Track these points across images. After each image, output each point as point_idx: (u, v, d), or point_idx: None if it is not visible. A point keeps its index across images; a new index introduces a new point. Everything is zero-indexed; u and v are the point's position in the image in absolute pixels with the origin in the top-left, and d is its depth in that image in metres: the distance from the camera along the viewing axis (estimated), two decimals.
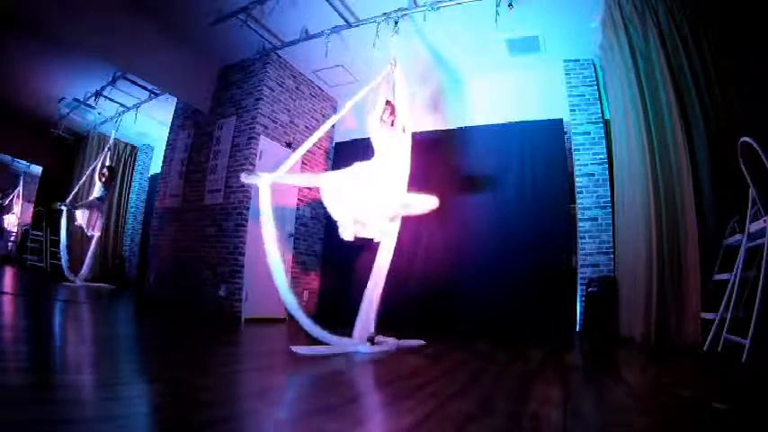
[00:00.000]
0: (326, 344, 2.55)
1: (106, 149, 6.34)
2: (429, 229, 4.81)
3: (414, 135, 3.26)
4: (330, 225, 5.62)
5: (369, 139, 3.15)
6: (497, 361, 2.53)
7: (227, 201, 4.67)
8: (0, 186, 8.31)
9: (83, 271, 5.92)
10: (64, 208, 6.00)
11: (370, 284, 2.90)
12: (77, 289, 5.39)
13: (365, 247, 3.02)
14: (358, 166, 2.88)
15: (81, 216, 5.96)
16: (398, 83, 3.23)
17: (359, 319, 2.83)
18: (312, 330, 2.55)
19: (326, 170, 5.80)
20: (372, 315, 2.84)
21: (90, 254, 6.01)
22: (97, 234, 6.05)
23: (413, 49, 4.45)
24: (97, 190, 6.08)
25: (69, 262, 5.92)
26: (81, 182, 6.38)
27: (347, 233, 2.78)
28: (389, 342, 2.85)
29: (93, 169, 6.28)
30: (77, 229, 6.09)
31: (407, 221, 3.17)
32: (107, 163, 6.27)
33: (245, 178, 2.78)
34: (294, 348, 2.35)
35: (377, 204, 2.80)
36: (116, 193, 6.63)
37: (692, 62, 3.11)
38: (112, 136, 6.50)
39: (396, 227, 2.98)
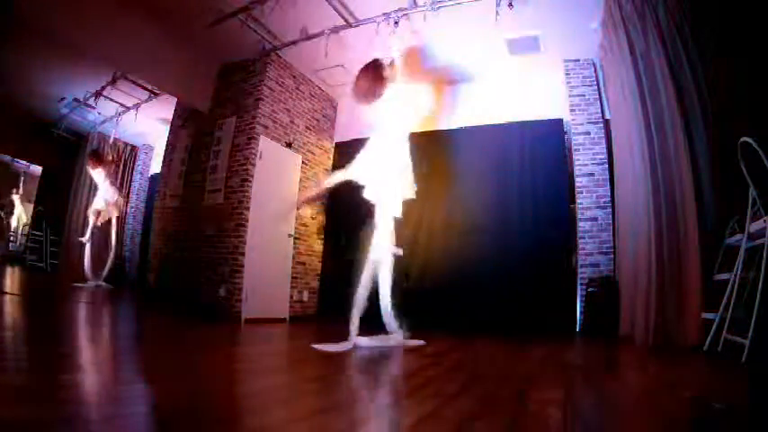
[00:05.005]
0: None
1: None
2: (428, 229, 4.81)
3: (414, 135, 3.26)
4: (330, 225, 5.65)
5: (368, 138, 3.15)
6: (497, 360, 2.53)
7: (227, 201, 4.66)
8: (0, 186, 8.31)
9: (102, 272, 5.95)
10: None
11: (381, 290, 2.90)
12: (82, 289, 5.38)
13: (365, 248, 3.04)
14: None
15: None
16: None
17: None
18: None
19: (327, 170, 5.81)
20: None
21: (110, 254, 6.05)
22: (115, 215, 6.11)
23: (412, 49, 4.44)
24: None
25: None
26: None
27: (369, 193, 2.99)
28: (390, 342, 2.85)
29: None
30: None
31: (407, 220, 3.17)
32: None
33: None
34: (314, 345, 2.58)
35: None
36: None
37: (692, 62, 3.11)
38: (113, 136, 6.50)
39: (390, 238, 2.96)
